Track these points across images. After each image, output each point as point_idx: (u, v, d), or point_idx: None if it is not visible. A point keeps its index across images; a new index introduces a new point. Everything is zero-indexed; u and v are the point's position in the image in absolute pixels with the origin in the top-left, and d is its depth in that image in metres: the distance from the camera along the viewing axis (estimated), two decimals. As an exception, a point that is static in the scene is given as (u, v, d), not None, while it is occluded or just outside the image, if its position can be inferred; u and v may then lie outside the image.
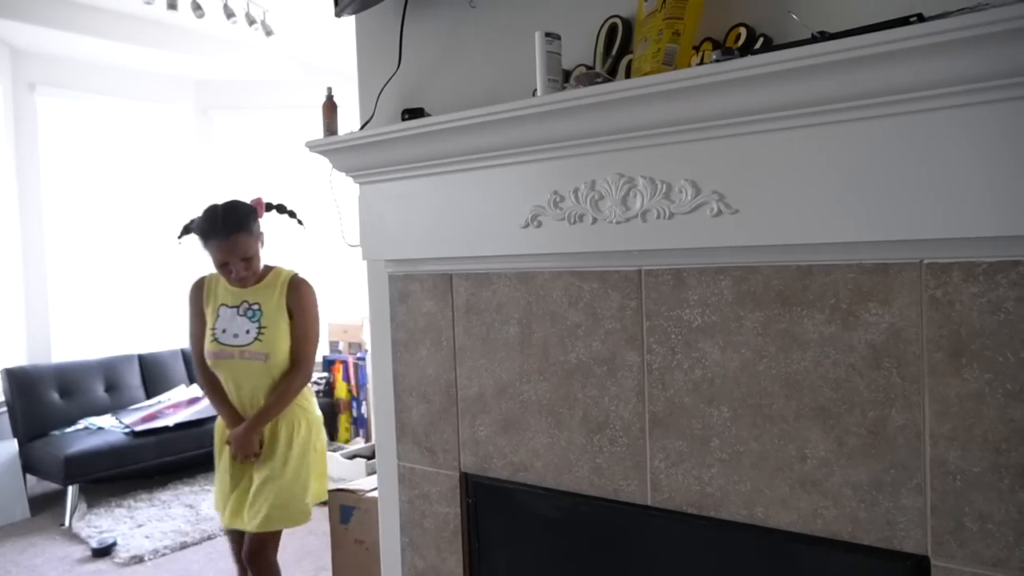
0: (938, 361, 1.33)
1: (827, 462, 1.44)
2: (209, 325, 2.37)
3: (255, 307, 2.33)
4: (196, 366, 2.45)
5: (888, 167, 1.30)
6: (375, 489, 2.52)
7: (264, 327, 2.31)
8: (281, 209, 2.51)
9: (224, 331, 2.33)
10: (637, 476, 1.69)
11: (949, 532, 1.33)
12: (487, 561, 2.02)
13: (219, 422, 2.45)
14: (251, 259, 2.29)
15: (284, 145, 5.65)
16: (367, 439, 5.02)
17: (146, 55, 4.99)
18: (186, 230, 2.40)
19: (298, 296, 2.36)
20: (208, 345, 2.35)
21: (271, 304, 2.34)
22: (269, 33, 4.61)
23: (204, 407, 4.67)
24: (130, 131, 5.36)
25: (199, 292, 2.43)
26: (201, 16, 4.21)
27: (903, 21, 1.22)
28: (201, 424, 4.53)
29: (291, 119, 5.66)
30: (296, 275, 2.41)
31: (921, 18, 1.22)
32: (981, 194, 1.22)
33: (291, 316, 2.35)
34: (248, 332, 2.31)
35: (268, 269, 2.40)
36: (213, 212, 2.28)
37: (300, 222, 2.55)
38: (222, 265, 2.28)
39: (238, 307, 2.35)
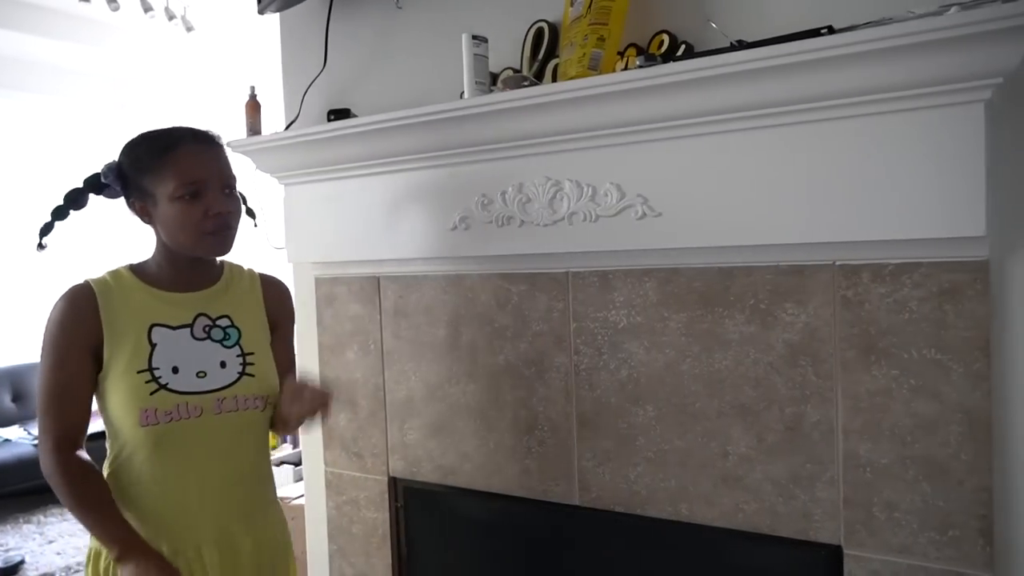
0: (850, 359, 1.39)
1: (748, 458, 1.49)
2: (136, 365, 1.28)
3: (223, 323, 1.37)
4: (49, 455, 1.29)
5: (802, 172, 1.35)
6: (302, 496, 2.47)
7: (249, 353, 1.38)
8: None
9: (176, 370, 1.30)
10: (566, 476, 1.71)
11: (860, 522, 1.39)
12: (417, 565, 2.00)
13: (97, 558, 1.33)
14: (238, 204, 1.37)
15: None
16: (295, 445, 4.91)
17: (57, 48, 4.76)
18: (91, 187, 1.40)
19: (282, 298, 1.53)
20: (141, 400, 1.27)
21: (248, 315, 1.42)
22: (190, 29, 4.47)
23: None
24: (45, 128, 5.10)
25: (90, 309, 1.29)
26: (116, 9, 4.04)
27: (814, 33, 1.27)
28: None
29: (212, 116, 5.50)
30: (262, 273, 1.54)
31: (831, 30, 1.27)
32: (888, 199, 1.28)
33: (273, 330, 1.48)
34: (225, 365, 1.34)
35: (218, 264, 1.46)
36: (163, 128, 1.38)
37: (253, 215, 1.66)
38: (192, 195, 1.28)
39: (192, 326, 1.34)
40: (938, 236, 1.26)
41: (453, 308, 1.85)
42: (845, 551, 1.41)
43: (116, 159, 1.37)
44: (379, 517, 2.01)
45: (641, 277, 1.58)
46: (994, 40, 1.14)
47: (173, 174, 1.28)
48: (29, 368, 4.65)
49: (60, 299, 1.30)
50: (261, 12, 2.07)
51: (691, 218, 1.46)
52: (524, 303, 1.74)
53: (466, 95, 1.66)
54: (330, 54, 2.06)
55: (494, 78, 1.73)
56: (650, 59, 1.44)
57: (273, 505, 1.47)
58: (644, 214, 1.50)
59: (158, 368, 1.29)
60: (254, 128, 2.06)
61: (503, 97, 1.56)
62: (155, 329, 1.32)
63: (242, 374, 1.36)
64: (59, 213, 1.41)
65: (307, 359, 2.19)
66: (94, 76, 5.31)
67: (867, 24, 1.24)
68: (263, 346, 1.42)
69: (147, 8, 4.06)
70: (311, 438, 2.20)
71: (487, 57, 1.67)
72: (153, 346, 1.30)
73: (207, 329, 1.36)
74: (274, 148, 1.95)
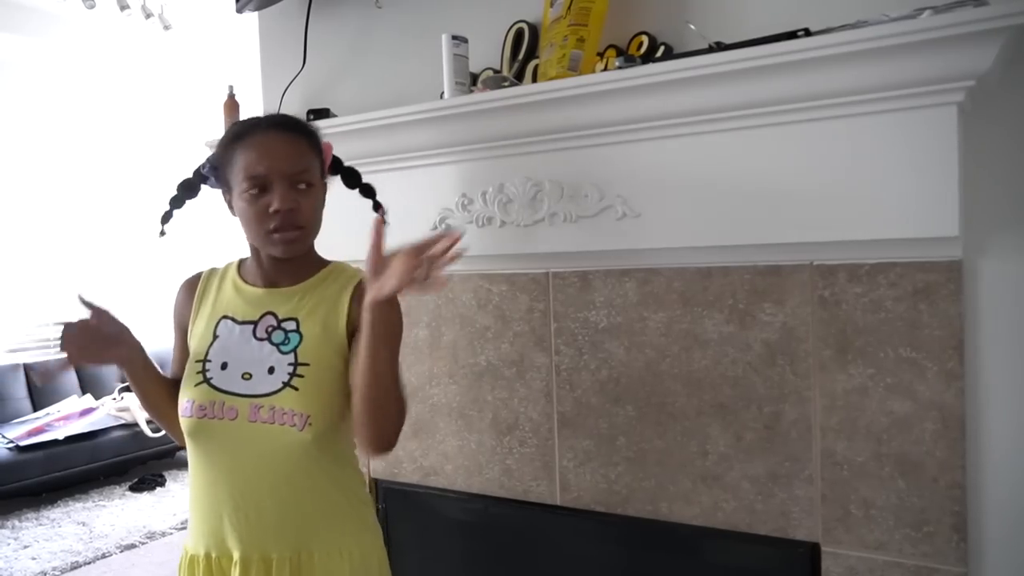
0: (826, 358, 1.40)
1: (727, 457, 1.50)
2: (194, 351, 1.26)
3: (288, 326, 1.24)
4: (168, 423, 1.31)
5: (779, 173, 1.36)
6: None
7: (303, 364, 1.21)
8: (361, 186, 1.51)
9: (224, 367, 1.22)
10: (546, 476, 1.71)
11: (837, 519, 1.41)
12: (398, 566, 1.98)
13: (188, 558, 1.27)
14: (313, 200, 1.23)
15: (178, 141, 5.43)
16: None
17: (28, 46, 4.70)
18: (201, 177, 1.36)
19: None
20: (188, 389, 1.23)
21: (320, 323, 1.24)
22: (167, 27, 4.43)
23: (99, 419, 4.44)
24: (20, 127, 5.03)
25: (189, 293, 1.34)
26: (91, 7, 4.00)
27: (791, 35, 1.29)
28: (94, 436, 4.30)
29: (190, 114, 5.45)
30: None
31: (808, 33, 1.28)
32: (863, 199, 1.30)
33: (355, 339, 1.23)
34: (273, 372, 1.20)
35: (320, 263, 1.33)
36: (253, 117, 1.28)
37: (378, 209, 1.50)
38: (259, 188, 1.18)
39: (255, 323, 1.24)
40: (912, 236, 1.27)
41: (434, 308, 1.84)
42: (823, 548, 1.42)
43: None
44: (360, 518, 2.00)
45: (621, 277, 1.59)
46: (966, 43, 1.15)
47: (240, 167, 1.19)
48: (4, 370, 4.58)
49: (184, 282, 1.38)
50: (239, 11, 2.06)
51: (670, 218, 1.47)
52: (505, 303, 1.74)
53: (446, 95, 1.66)
54: (309, 53, 2.05)
55: (474, 78, 1.73)
56: (629, 60, 1.45)
57: (339, 537, 1.24)
58: (624, 214, 1.51)
59: (211, 361, 1.23)
60: (232, 128, 2.04)
61: (483, 97, 1.56)
62: (223, 322, 1.27)
63: (286, 385, 1.18)
64: (175, 202, 1.39)
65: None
66: (66, 75, 5.24)
67: (843, 27, 1.26)
68: (325, 359, 1.21)
69: (123, 6, 4.02)
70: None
71: (467, 57, 1.67)
72: (215, 338, 1.25)
73: (269, 330, 1.23)
74: (253, 148, 1.94)
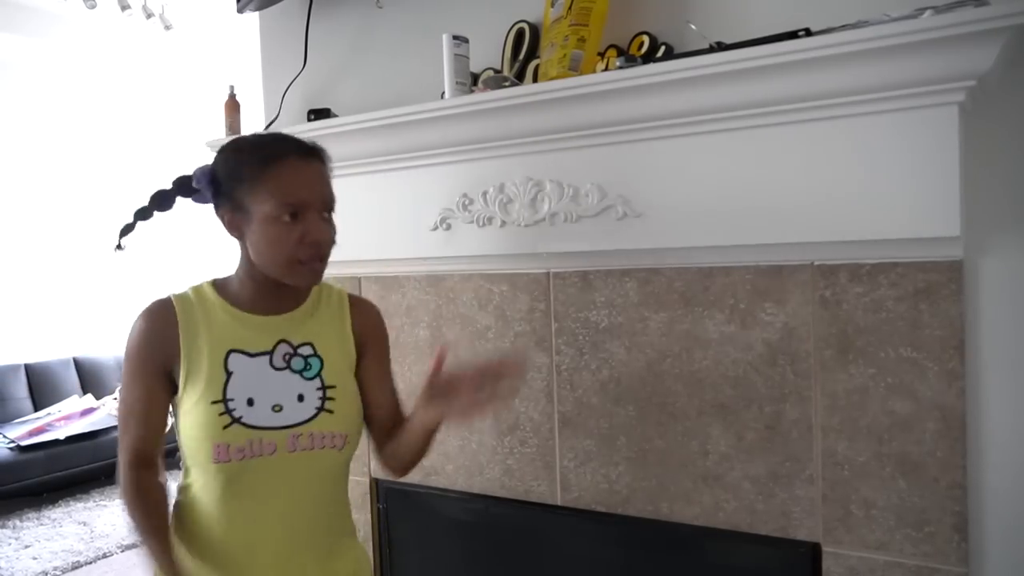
0: (827, 358, 1.40)
1: (727, 457, 1.50)
2: (210, 394, 1.16)
3: (305, 351, 1.22)
4: (121, 471, 1.18)
5: (780, 173, 1.36)
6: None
7: (331, 386, 1.22)
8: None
9: (251, 403, 1.16)
10: (547, 476, 1.71)
11: (838, 519, 1.41)
12: (399, 566, 2.00)
13: None
14: (334, 231, 1.22)
15: (179, 140, 5.43)
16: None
17: (29, 46, 4.70)
18: (180, 189, 1.26)
19: (372, 318, 1.34)
20: (214, 434, 1.14)
21: (333, 344, 1.26)
22: (168, 27, 4.43)
23: (101, 418, 4.44)
24: (23, 127, 5.03)
25: (168, 327, 1.18)
26: (92, 7, 4.00)
27: (792, 35, 1.29)
28: (95, 436, 4.30)
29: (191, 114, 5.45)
30: (351, 294, 1.35)
31: (808, 33, 1.28)
32: (865, 199, 1.30)
33: (362, 355, 1.30)
34: (303, 399, 1.19)
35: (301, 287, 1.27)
36: (265, 135, 1.24)
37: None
38: (287, 218, 1.14)
39: (272, 353, 1.20)
40: (914, 236, 1.27)
41: (435, 309, 1.84)
42: (824, 548, 1.42)
43: (211, 163, 1.22)
44: (361, 518, 2.00)
45: (622, 277, 1.59)
46: (967, 43, 1.15)
47: (273, 191, 1.13)
48: (5, 370, 4.59)
49: (140, 314, 1.19)
50: (240, 11, 2.06)
51: (671, 218, 1.47)
52: (505, 303, 1.74)
53: (447, 95, 1.66)
54: (310, 53, 2.06)
55: (475, 78, 1.73)
56: (630, 60, 1.45)
57: (350, 552, 1.30)
58: (625, 214, 1.51)
59: (233, 399, 1.15)
60: (233, 128, 2.04)
61: (484, 97, 1.56)
62: (232, 356, 1.18)
63: (320, 409, 1.19)
64: (143, 214, 1.28)
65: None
66: (66, 75, 5.24)
67: (844, 27, 1.26)
68: (346, 379, 1.25)
69: (124, 6, 4.02)
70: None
71: (468, 57, 1.67)
72: (229, 375, 1.16)
73: (287, 358, 1.20)
74: (253, 148, 1.94)
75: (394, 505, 1.98)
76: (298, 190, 1.15)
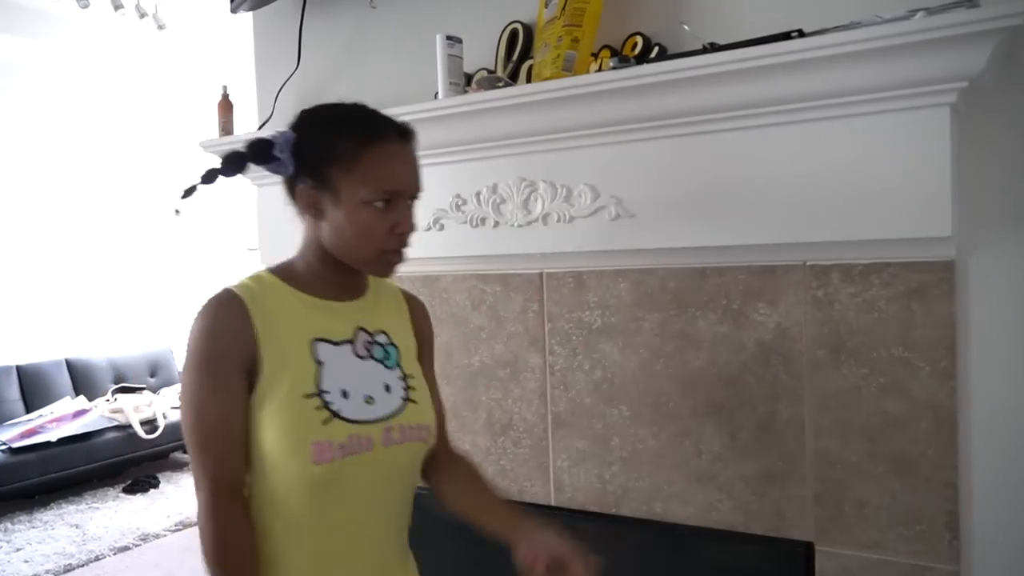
0: (820, 358, 1.40)
1: (721, 457, 1.50)
2: (302, 387, 1.02)
3: (381, 339, 1.13)
4: (207, 503, 1.00)
5: (773, 173, 1.37)
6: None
7: (410, 375, 1.14)
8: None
9: (346, 395, 1.05)
10: (541, 476, 1.71)
11: (831, 519, 1.41)
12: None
13: None
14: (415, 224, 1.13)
15: (173, 142, 5.41)
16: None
17: (23, 46, 4.68)
18: (256, 155, 1.08)
19: (427, 318, 1.27)
20: (312, 431, 1.01)
21: (401, 334, 1.18)
22: (161, 27, 4.42)
23: (92, 420, 4.42)
24: (16, 125, 5.01)
25: (244, 320, 1.02)
26: (85, 6, 3.99)
27: (785, 36, 1.29)
28: (88, 438, 4.28)
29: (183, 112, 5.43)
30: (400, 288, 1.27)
31: (801, 34, 1.29)
32: (857, 200, 1.30)
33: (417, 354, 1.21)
34: (390, 389, 1.11)
35: (363, 274, 1.16)
36: (357, 108, 1.12)
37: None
38: (381, 204, 1.04)
39: (353, 342, 1.10)
40: (906, 236, 1.28)
41: (428, 309, 1.84)
42: (817, 547, 1.42)
43: (291, 130, 1.08)
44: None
45: (615, 277, 1.59)
46: (959, 45, 1.16)
47: (371, 176, 1.03)
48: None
49: (202, 312, 1.03)
50: (234, 11, 2.06)
51: (665, 219, 1.47)
52: (499, 304, 1.74)
53: (440, 95, 1.66)
54: (303, 53, 2.05)
55: (468, 79, 1.73)
56: (624, 61, 1.45)
57: (410, 559, 1.20)
58: (618, 215, 1.51)
59: (328, 392, 1.03)
60: (226, 128, 2.04)
61: (477, 98, 1.56)
62: (318, 344, 1.06)
63: (406, 400, 1.11)
64: (208, 177, 1.11)
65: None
66: (60, 75, 5.23)
67: (837, 28, 1.26)
68: (419, 369, 1.18)
69: (117, 5, 4.01)
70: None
71: (461, 58, 1.67)
72: (319, 364, 1.04)
73: (368, 346, 1.10)
74: (247, 148, 1.94)
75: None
76: (397, 176, 1.06)
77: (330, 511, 1.04)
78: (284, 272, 1.11)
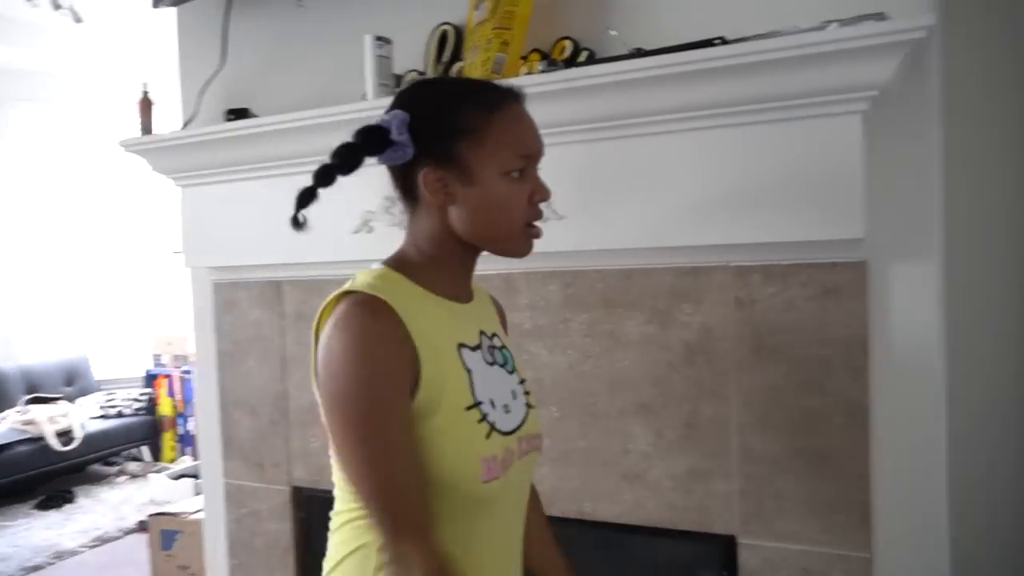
0: (743, 356, 1.45)
1: (648, 455, 1.53)
2: (462, 399, 0.92)
3: (497, 342, 1.04)
4: (407, 548, 0.84)
5: (696, 177, 1.40)
6: (200, 510, 2.37)
7: (523, 381, 1.06)
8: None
9: (493, 404, 0.96)
10: (472, 479, 1.71)
11: (753, 512, 1.45)
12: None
13: None
14: None
15: (93, 142, 5.20)
16: (195, 457, 4.72)
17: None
18: (373, 144, 0.94)
19: (505, 319, 1.17)
20: (479, 447, 0.91)
21: (503, 336, 1.09)
22: (78, 20, 4.24)
23: (2, 432, 4.19)
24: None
25: (393, 330, 0.88)
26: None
27: (708, 43, 1.33)
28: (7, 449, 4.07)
29: (100, 115, 5.22)
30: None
31: (724, 41, 1.33)
32: (774, 203, 1.35)
33: None
34: (516, 396, 1.01)
35: None
36: (464, 79, 1.05)
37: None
38: (518, 174, 0.94)
39: (479, 347, 0.99)
40: (820, 239, 1.33)
41: (358, 312, 1.82)
42: (739, 540, 1.46)
43: (400, 110, 0.94)
44: (282, 528, 1.95)
45: (545, 279, 1.60)
46: (870, 55, 1.21)
47: (506, 142, 0.92)
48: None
49: (352, 320, 0.88)
50: (156, 6, 1.99)
51: (593, 221, 1.49)
52: (430, 306, 1.73)
53: (369, 97, 1.64)
54: (229, 52, 2.00)
55: (398, 80, 1.72)
56: (553, 64, 1.47)
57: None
58: (547, 217, 1.52)
59: (483, 403, 0.93)
60: (146, 127, 1.97)
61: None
62: (462, 351, 0.95)
63: (528, 407, 1.03)
64: (325, 178, 0.96)
65: (206, 367, 2.11)
66: (-30, 69, 4.96)
67: (757, 36, 1.31)
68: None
69: (30, -2, 3.83)
70: (209, 449, 2.11)
71: (391, 58, 1.66)
72: (469, 372, 0.94)
73: (491, 351, 1.00)
74: (170, 148, 1.88)
75: (316, 513, 1.93)
76: (528, 139, 0.96)
77: (477, 532, 0.94)
78: (408, 270, 0.97)
